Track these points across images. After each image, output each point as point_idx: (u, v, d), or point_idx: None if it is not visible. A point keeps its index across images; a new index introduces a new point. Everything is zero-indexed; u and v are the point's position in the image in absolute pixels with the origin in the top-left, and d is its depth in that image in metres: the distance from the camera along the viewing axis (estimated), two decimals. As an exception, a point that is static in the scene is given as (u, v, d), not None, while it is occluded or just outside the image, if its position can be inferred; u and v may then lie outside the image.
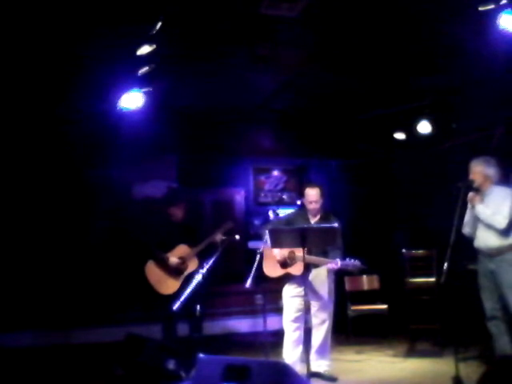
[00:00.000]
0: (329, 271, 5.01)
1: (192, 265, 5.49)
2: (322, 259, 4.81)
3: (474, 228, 4.84)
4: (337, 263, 4.68)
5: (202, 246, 5.50)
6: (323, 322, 5.01)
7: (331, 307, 5.07)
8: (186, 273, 5.50)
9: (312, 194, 5.02)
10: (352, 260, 4.73)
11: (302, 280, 4.62)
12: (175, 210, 5.76)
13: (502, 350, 4.76)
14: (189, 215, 5.93)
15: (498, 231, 4.66)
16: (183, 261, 5.55)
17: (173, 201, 5.88)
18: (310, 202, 5.04)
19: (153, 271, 5.57)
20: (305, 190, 5.11)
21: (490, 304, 4.77)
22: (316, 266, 4.96)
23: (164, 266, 5.55)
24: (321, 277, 5.02)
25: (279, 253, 5.00)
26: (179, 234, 5.67)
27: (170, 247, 5.59)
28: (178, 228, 5.72)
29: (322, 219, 5.05)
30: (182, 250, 5.59)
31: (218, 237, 5.45)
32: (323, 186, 5.19)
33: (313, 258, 4.84)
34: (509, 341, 4.72)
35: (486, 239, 4.76)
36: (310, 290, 4.95)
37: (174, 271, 5.53)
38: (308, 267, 4.89)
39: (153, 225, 6.01)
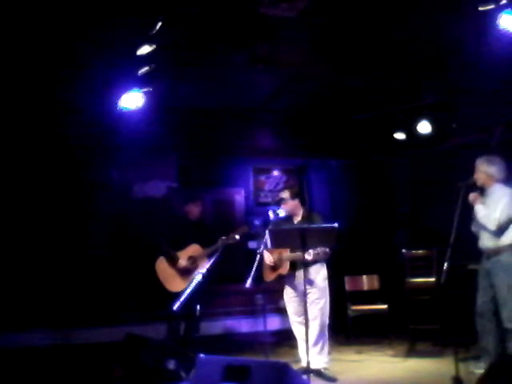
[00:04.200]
0: (319, 270, 5.14)
1: (202, 265, 5.49)
2: (297, 254, 4.88)
3: (479, 227, 4.87)
4: (310, 254, 4.79)
5: (215, 248, 5.48)
6: (315, 318, 5.05)
7: (323, 303, 5.11)
8: (195, 272, 5.50)
9: (281, 196, 5.32)
10: (321, 248, 4.83)
11: (293, 279, 5.10)
12: (192, 208, 5.82)
13: (484, 349, 4.80)
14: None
15: (491, 232, 4.70)
16: (194, 261, 5.58)
17: (190, 198, 5.94)
18: (282, 205, 5.28)
19: (163, 267, 5.65)
20: None
21: (481, 301, 4.86)
22: (307, 264, 4.97)
23: (174, 263, 5.62)
24: (310, 275, 5.08)
25: (269, 257, 5.21)
26: (193, 232, 5.74)
27: (183, 245, 5.65)
28: (193, 226, 5.81)
29: (304, 219, 5.22)
30: (193, 249, 5.65)
31: (233, 239, 5.47)
32: (296, 188, 5.58)
33: (290, 255, 5.06)
34: (493, 340, 4.75)
35: (484, 239, 4.83)
36: (303, 289, 5.01)
37: (184, 270, 5.59)
38: (294, 266, 5.08)
39: (168, 222, 6.11)
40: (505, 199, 4.68)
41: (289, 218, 5.29)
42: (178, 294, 5.12)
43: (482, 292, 4.85)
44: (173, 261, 5.63)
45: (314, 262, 5.03)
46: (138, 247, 6.57)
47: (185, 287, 5.39)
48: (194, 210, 5.86)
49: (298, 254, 4.82)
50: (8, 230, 6.38)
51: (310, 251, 4.79)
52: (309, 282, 5.04)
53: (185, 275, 5.57)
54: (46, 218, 6.63)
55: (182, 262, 5.60)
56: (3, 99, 5.97)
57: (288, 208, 5.24)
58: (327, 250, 4.82)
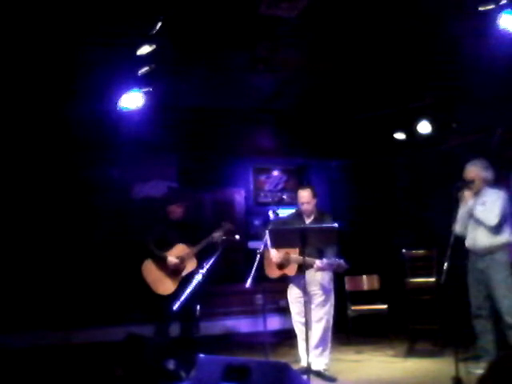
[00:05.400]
0: (326, 272, 5.05)
1: (190, 265, 5.49)
2: (307, 259, 4.68)
3: (465, 227, 4.89)
4: (322, 262, 4.73)
5: (201, 246, 5.50)
6: (320, 320, 5.04)
7: (328, 306, 5.09)
8: (183, 273, 5.50)
9: (304, 195, 5.13)
10: (337, 259, 4.75)
11: (299, 280, 4.85)
12: (175, 208, 5.77)
13: (484, 348, 4.82)
14: (189, 215, 5.93)
15: (488, 229, 4.73)
16: (181, 260, 5.55)
17: (173, 199, 5.88)
18: (302, 203, 5.15)
19: (150, 270, 5.57)
20: (298, 192, 5.25)
21: (475, 302, 4.89)
22: (311, 266, 4.97)
23: (162, 265, 5.55)
24: (316, 277, 5.05)
25: (276, 255, 5.11)
26: (178, 232, 5.67)
27: (169, 246, 5.60)
28: (176, 227, 5.73)
29: (317, 219, 5.13)
30: (180, 249, 5.60)
31: (217, 237, 5.45)
32: (315, 187, 5.32)
33: (299, 259, 4.89)
34: (492, 339, 4.78)
35: (476, 238, 4.84)
36: (308, 290, 4.99)
37: (172, 271, 5.53)
38: (302, 268, 4.90)
39: (152, 223, 6.01)
40: (500, 200, 4.78)
41: (300, 217, 5.20)
42: (172, 295, 5.13)
43: (474, 293, 4.89)
44: (160, 262, 5.56)
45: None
46: (134, 246, 6.54)
47: (175, 288, 5.39)
48: (177, 210, 5.76)
49: (308, 259, 4.63)
50: (8, 231, 6.39)
51: (324, 260, 4.73)
52: (315, 284, 5.03)
53: (173, 276, 5.50)
54: (46, 218, 6.63)
55: (172, 259, 5.51)
56: (3, 100, 5.97)
57: (309, 208, 5.12)
58: (342, 262, 4.72)
